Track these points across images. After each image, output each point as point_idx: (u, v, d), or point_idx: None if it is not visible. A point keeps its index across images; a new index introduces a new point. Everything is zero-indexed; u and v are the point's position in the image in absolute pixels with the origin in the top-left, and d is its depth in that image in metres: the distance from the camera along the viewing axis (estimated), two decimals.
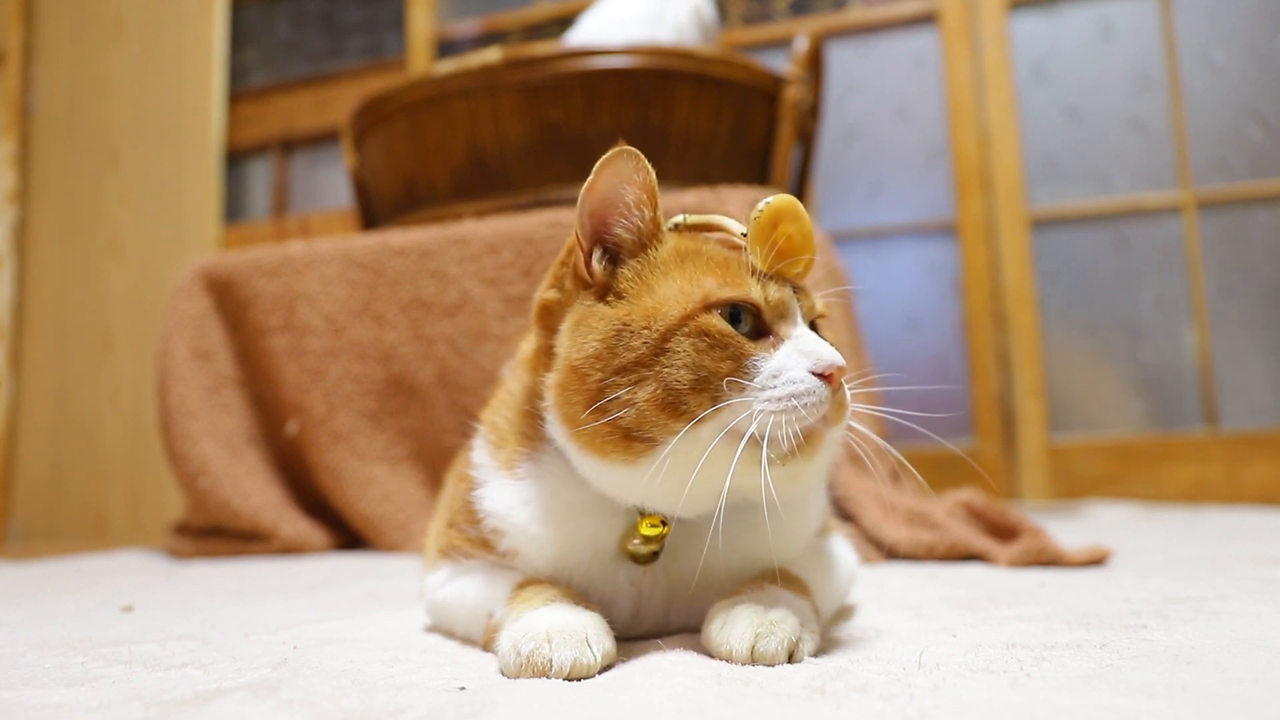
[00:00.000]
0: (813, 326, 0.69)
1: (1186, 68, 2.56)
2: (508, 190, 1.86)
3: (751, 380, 0.62)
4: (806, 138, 2.12)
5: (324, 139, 3.43)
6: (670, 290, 0.66)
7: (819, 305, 0.70)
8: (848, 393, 0.65)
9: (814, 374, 0.62)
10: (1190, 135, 2.54)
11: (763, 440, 0.61)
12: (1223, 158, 2.52)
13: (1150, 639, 0.66)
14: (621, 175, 0.70)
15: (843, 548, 0.84)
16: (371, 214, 2.13)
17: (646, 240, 0.70)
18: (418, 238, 1.78)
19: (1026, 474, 2.54)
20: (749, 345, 0.64)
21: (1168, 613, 0.76)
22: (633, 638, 0.71)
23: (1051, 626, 0.73)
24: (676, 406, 0.62)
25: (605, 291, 0.68)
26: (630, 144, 0.71)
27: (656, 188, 0.71)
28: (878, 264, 2.77)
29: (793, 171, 2.09)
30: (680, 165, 1.85)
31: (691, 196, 1.65)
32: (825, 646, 0.67)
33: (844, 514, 1.42)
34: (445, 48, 3.30)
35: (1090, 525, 1.84)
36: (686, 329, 0.63)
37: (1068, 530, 1.64)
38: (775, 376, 0.62)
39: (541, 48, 1.82)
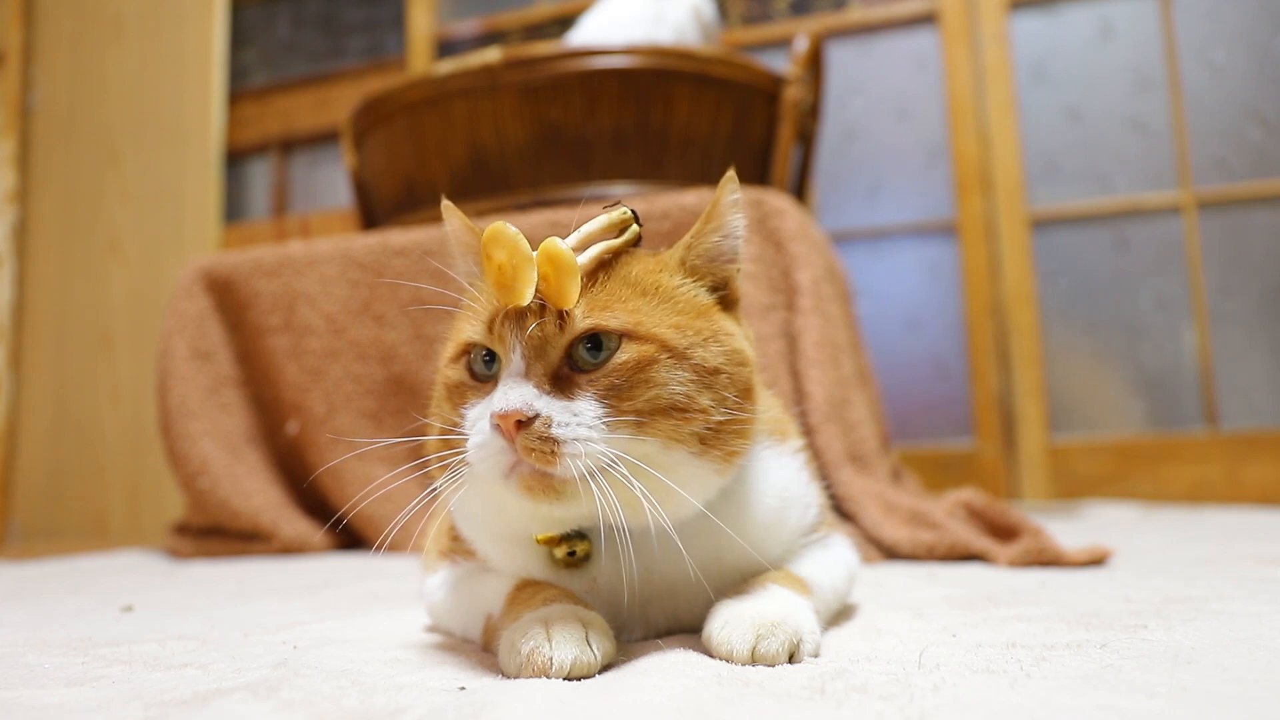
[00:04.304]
0: (596, 345, 0.62)
1: (1186, 68, 2.56)
2: (508, 190, 1.86)
3: (465, 430, 0.64)
4: (806, 138, 2.12)
5: (324, 139, 3.43)
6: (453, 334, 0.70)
7: (589, 324, 0.62)
8: (550, 432, 0.59)
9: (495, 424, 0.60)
10: (1190, 135, 2.54)
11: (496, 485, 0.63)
12: (1223, 158, 2.52)
13: (1150, 639, 0.66)
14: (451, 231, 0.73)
15: (843, 547, 0.84)
16: (372, 214, 2.13)
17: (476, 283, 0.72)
18: (418, 238, 1.78)
19: (1026, 474, 2.54)
20: (470, 393, 0.66)
21: (1168, 613, 0.76)
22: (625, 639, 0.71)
23: (1051, 626, 0.73)
24: (442, 451, 0.67)
25: None
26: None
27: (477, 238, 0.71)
28: (878, 264, 2.77)
29: (793, 171, 2.09)
30: (680, 165, 1.85)
31: (692, 196, 1.65)
32: (825, 646, 0.67)
33: (844, 514, 1.42)
34: (445, 48, 3.30)
35: (1090, 525, 1.84)
36: (440, 378, 0.69)
37: (1068, 530, 1.64)
38: (473, 426, 0.63)
39: (541, 48, 1.82)
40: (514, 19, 3.23)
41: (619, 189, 1.80)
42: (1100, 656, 0.61)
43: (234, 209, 3.51)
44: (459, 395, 0.66)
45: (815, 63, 2.08)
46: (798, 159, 2.12)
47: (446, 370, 0.68)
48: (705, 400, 0.64)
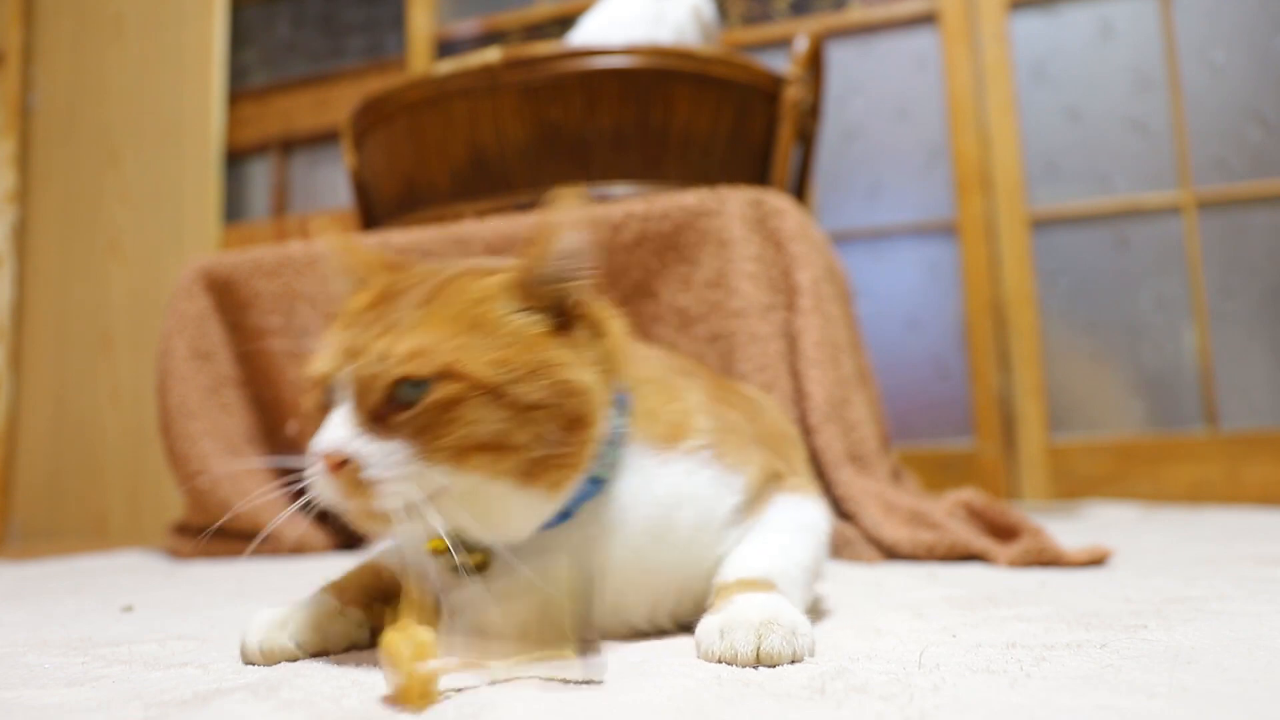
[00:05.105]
0: (401, 406, 0.63)
1: (1186, 68, 2.56)
2: (508, 190, 1.86)
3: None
4: (806, 138, 2.12)
5: (324, 139, 3.42)
6: None
7: (401, 370, 0.63)
8: (361, 475, 0.62)
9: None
10: (1190, 135, 2.54)
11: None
12: (1223, 158, 2.52)
13: (1150, 639, 0.66)
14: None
15: (793, 515, 0.80)
16: (371, 214, 2.13)
17: None
18: (418, 238, 1.78)
19: (1026, 474, 2.54)
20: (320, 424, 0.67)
21: (1168, 613, 0.76)
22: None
23: (1051, 626, 0.73)
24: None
25: None
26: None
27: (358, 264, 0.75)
28: (878, 264, 2.77)
29: (793, 171, 2.09)
30: (680, 165, 1.85)
31: (692, 197, 1.65)
32: (825, 646, 0.67)
33: (844, 514, 1.42)
34: (445, 48, 3.30)
35: (1090, 525, 1.84)
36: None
37: (1068, 530, 1.64)
38: (310, 459, 0.65)
39: (541, 48, 1.82)
40: (514, 19, 3.23)
41: (619, 189, 1.80)
42: (1100, 656, 0.61)
43: (234, 209, 3.51)
44: (316, 424, 0.68)
45: (815, 63, 2.08)
46: (798, 159, 2.12)
47: (306, 399, 0.70)
48: (521, 437, 0.64)
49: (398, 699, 0.54)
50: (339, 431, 0.63)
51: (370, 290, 0.70)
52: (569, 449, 0.65)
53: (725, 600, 0.67)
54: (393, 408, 0.63)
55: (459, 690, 0.56)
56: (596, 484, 0.70)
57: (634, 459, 0.72)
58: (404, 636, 0.54)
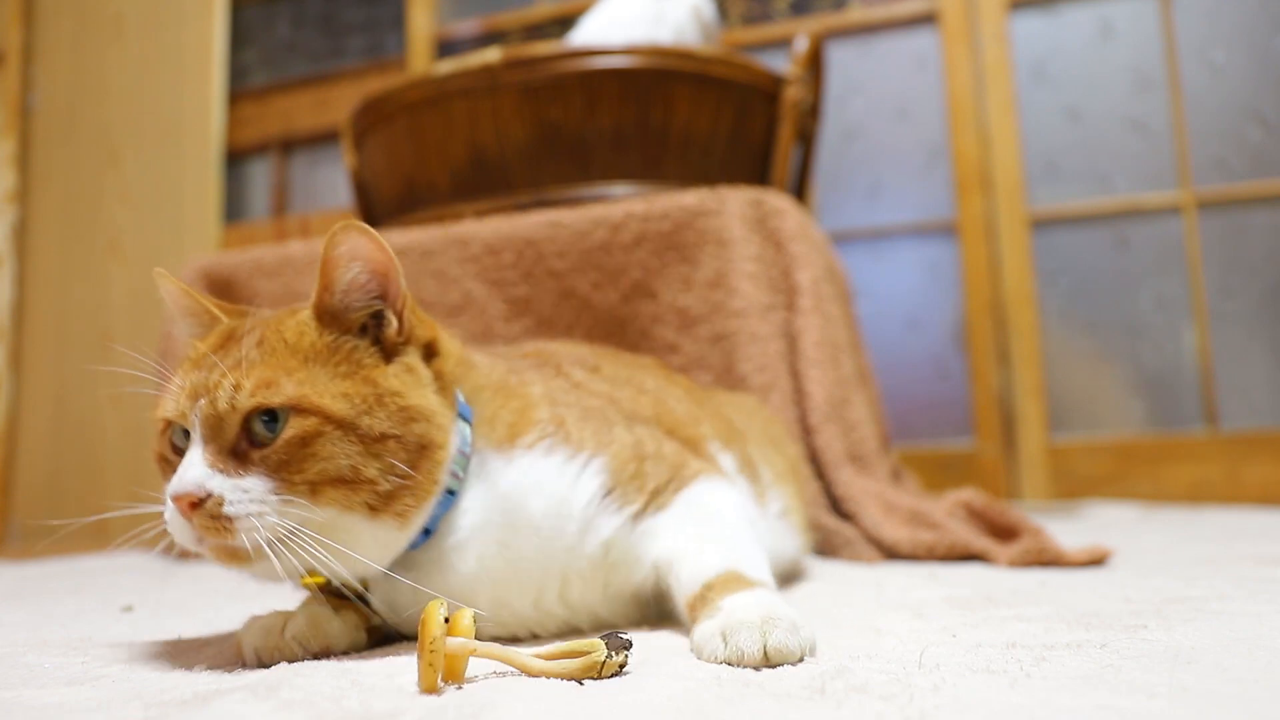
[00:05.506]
0: (273, 418, 0.65)
1: (1186, 68, 2.56)
2: (508, 190, 1.86)
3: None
4: (806, 138, 2.12)
5: (324, 139, 3.42)
6: None
7: (252, 402, 0.65)
8: (221, 511, 0.63)
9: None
10: (1190, 135, 2.54)
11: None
12: (1223, 158, 2.52)
13: (1150, 639, 0.66)
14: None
15: (712, 499, 0.81)
16: (371, 214, 2.13)
17: None
18: (418, 238, 1.78)
19: (1026, 474, 2.54)
20: (170, 469, 0.68)
21: (1168, 613, 0.76)
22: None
23: (1051, 626, 0.73)
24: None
25: None
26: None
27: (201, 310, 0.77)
28: (878, 264, 2.77)
29: (793, 171, 2.09)
30: (680, 165, 1.84)
31: (691, 197, 1.65)
32: (825, 646, 0.67)
33: (844, 514, 1.42)
34: (445, 48, 3.30)
35: (1090, 525, 1.84)
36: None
37: (1068, 530, 1.64)
38: (166, 502, 0.66)
39: (541, 48, 1.82)
40: (514, 19, 3.23)
41: (619, 189, 1.80)
42: (1100, 656, 0.61)
43: (234, 209, 3.50)
44: (166, 468, 0.69)
45: (815, 63, 2.08)
46: (798, 159, 2.12)
47: (154, 444, 0.72)
48: (372, 470, 0.66)
49: (423, 671, 0.55)
50: (195, 470, 0.64)
51: (213, 335, 0.72)
52: (418, 477, 0.67)
53: (711, 606, 0.67)
54: (249, 444, 0.65)
55: (459, 689, 0.56)
56: (452, 496, 0.72)
57: (480, 466, 0.74)
58: (442, 611, 0.56)
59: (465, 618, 0.58)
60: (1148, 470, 2.45)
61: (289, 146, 3.52)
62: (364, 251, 0.69)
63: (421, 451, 0.68)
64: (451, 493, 0.72)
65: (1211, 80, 2.54)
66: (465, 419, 0.74)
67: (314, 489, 0.65)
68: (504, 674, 0.60)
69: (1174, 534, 1.56)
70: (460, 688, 0.56)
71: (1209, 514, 1.98)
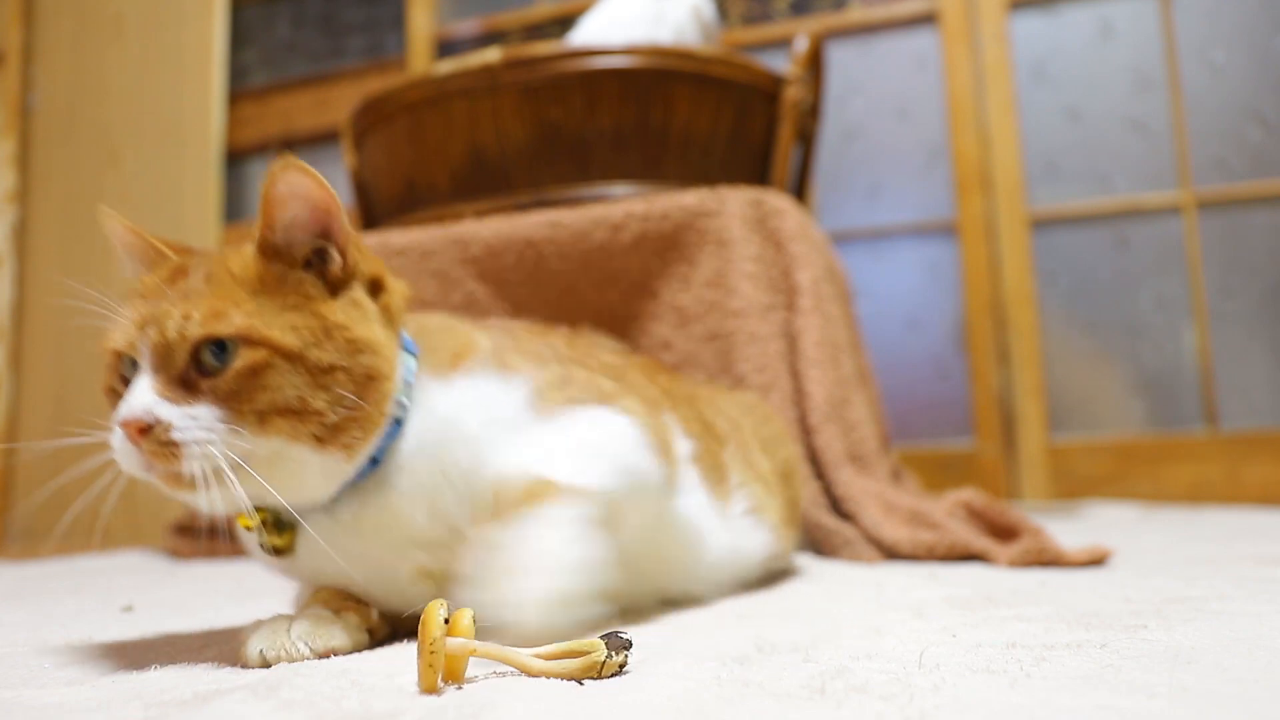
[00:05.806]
0: (222, 348, 0.65)
1: (1186, 68, 2.56)
2: (508, 190, 1.86)
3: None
4: (806, 138, 2.12)
5: (324, 139, 3.42)
6: None
7: (201, 332, 0.65)
8: (168, 436, 0.64)
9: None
10: (1190, 135, 2.54)
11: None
12: (1223, 158, 2.52)
13: (1150, 639, 0.66)
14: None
15: (600, 416, 0.80)
16: (371, 214, 2.13)
17: None
18: (418, 238, 1.78)
19: (1026, 474, 2.54)
20: (119, 398, 0.69)
21: (1168, 613, 0.76)
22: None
23: (1051, 626, 0.73)
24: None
25: None
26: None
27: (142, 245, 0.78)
28: (878, 264, 2.77)
29: (793, 171, 2.09)
30: (680, 165, 1.85)
31: (691, 196, 1.65)
32: (825, 646, 0.67)
33: (844, 513, 1.42)
34: (445, 48, 3.30)
35: (1090, 525, 1.84)
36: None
37: (1068, 530, 1.64)
38: (113, 429, 0.67)
39: (541, 48, 1.82)
40: (514, 19, 3.23)
41: (619, 189, 1.80)
42: (1100, 656, 0.61)
43: (234, 209, 3.50)
44: (115, 399, 0.71)
45: (815, 63, 2.08)
46: (798, 159, 2.12)
47: (104, 376, 0.74)
48: (320, 402, 0.67)
49: (423, 671, 0.55)
50: (144, 397, 0.65)
51: (161, 269, 0.73)
52: (366, 407, 0.69)
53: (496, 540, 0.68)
54: (197, 374, 0.66)
55: (459, 689, 0.56)
56: (399, 426, 0.73)
57: (422, 393, 0.75)
58: (443, 611, 0.56)
59: (465, 618, 0.58)
60: (1148, 470, 2.45)
61: (289, 146, 3.52)
62: (303, 190, 0.70)
63: (369, 383, 0.69)
64: (399, 423, 0.73)
65: (1211, 80, 2.54)
66: (411, 353, 0.76)
67: (262, 418, 0.66)
68: (504, 674, 0.60)
69: (1174, 534, 1.56)
70: (460, 688, 0.56)
71: (1209, 514, 1.98)
